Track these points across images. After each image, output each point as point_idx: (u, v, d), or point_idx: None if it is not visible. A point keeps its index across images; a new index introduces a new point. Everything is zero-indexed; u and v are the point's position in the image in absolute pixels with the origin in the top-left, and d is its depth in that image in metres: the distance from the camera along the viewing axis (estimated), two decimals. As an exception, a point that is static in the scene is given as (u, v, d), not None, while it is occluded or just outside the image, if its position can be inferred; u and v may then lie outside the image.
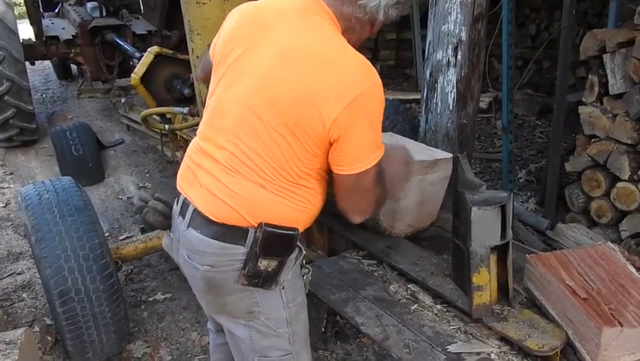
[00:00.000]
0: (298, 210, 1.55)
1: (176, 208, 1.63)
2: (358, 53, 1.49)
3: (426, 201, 2.22)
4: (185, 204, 1.58)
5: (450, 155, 2.21)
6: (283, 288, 1.60)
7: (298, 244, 1.61)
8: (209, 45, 1.78)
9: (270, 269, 1.52)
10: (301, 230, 1.59)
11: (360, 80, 1.42)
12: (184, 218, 1.57)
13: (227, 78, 1.57)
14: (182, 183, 1.64)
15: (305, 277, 1.73)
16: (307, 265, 1.75)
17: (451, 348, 1.67)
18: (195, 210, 1.54)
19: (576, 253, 1.84)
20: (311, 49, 1.46)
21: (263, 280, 1.53)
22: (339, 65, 1.44)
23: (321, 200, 1.63)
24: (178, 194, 1.64)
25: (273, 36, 1.50)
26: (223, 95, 1.57)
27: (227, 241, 1.51)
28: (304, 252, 1.68)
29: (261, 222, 1.49)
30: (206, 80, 1.85)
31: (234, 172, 1.50)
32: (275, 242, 1.51)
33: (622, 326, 1.50)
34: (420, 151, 2.22)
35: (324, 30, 1.50)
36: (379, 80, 1.45)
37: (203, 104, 2.55)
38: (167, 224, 1.68)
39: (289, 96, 1.43)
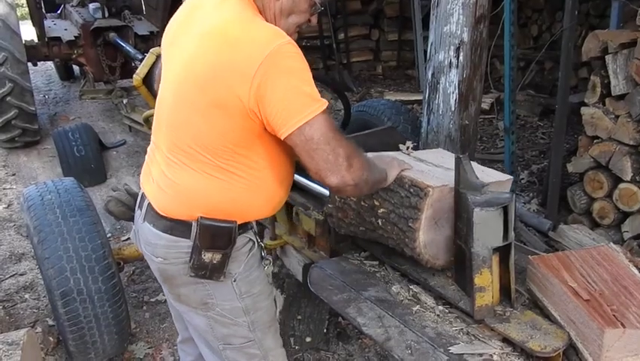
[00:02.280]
0: (243, 190, 1.57)
1: (138, 202, 1.72)
2: (268, 23, 1.53)
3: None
4: (143, 198, 1.68)
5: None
6: (235, 281, 1.65)
7: (251, 237, 1.67)
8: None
9: (215, 261, 1.57)
10: (256, 218, 1.67)
11: (267, 42, 1.42)
12: (141, 211, 1.66)
13: (163, 75, 1.67)
14: (141, 178, 1.74)
15: (266, 268, 1.78)
16: (268, 257, 1.80)
17: (454, 349, 1.67)
18: (149, 204, 1.63)
19: (578, 254, 1.83)
20: (220, 27, 1.49)
21: (210, 272, 1.59)
22: (246, 35, 1.45)
23: (273, 179, 1.62)
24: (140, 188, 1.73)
25: (192, 26, 1.57)
26: (161, 92, 1.67)
27: (175, 234, 1.58)
28: (256, 242, 1.71)
29: (198, 217, 1.54)
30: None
31: (175, 162, 1.57)
32: (214, 235, 1.56)
33: (624, 327, 1.49)
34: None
35: (236, 9, 1.53)
36: (289, 40, 1.46)
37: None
38: (129, 215, 1.75)
39: (207, 75, 1.47)
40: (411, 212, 1.80)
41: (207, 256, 1.55)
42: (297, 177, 2.03)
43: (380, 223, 1.92)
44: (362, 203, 1.95)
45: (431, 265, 1.90)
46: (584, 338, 1.58)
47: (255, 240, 1.71)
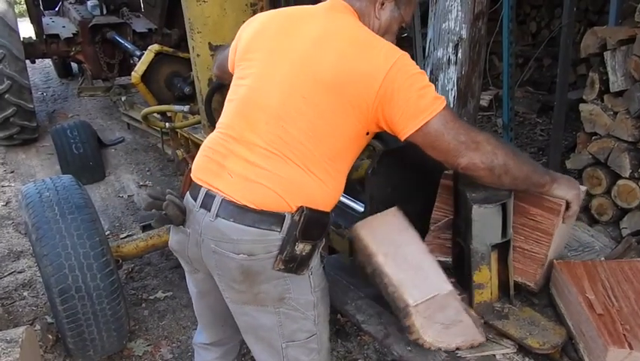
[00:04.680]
0: (329, 193, 1.61)
1: (194, 202, 1.63)
2: None
3: (560, 244, 1.94)
4: (209, 196, 1.59)
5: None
6: (312, 273, 1.66)
7: None
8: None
9: (304, 253, 1.57)
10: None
11: (392, 51, 1.56)
12: (209, 210, 1.58)
13: (258, 70, 1.65)
14: (202, 175, 1.65)
15: (322, 263, 1.78)
16: (323, 253, 1.79)
17: (461, 352, 1.67)
18: (224, 200, 1.56)
19: (608, 265, 1.77)
20: (344, 32, 1.60)
21: (297, 265, 1.58)
22: (371, 44, 1.57)
23: (342, 188, 1.67)
24: (196, 187, 1.65)
25: (305, 29, 1.63)
26: (256, 86, 1.64)
27: (264, 227, 1.54)
28: (324, 241, 1.72)
29: (301, 206, 1.54)
30: (222, 76, 2.04)
31: (279, 155, 1.55)
32: (313, 226, 1.56)
33: (632, 348, 1.43)
34: None
35: (351, 20, 1.65)
36: (404, 52, 1.58)
37: (203, 101, 2.56)
38: (182, 219, 1.67)
39: (332, 74, 1.53)
40: (400, 317, 1.65)
41: (299, 248, 1.55)
42: None
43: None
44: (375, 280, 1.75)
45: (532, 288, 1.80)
46: (590, 352, 1.55)
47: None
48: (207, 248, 1.62)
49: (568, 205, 1.71)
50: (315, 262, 1.66)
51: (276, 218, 1.54)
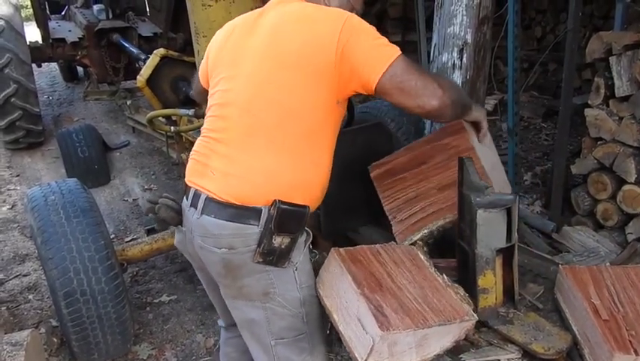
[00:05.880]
0: (311, 173, 1.65)
1: (187, 202, 1.72)
2: None
3: (495, 166, 2.03)
4: (197, 195, 1.67)
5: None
6: (296, 269, 1.69)
7: (306, 228, 1.71)
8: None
9: (283, 246, 1.61)
10: (312, 207, 1.68)
11: (340, 13, 1.63)
12: (196, 208, 1.66)
13: (225, 75, 1.73)
14: (191, 177, 1.73)
15: (313, 260, 1.80)
16: (314, 250, 1.83)
17: (465, 356, 1.66)
18: (207, 197, 1.63)
19: (613, 270, 1.75)
20: (294, 15, 1.69)
21: (277, 258, 1.62)
22: (321, 13, 1.66)
23: (328, 170, 1.71)
24: (187, 189, 1.72)
25: (259, 25, 1.71)
26: (226, 88, 1.72)
27: (242, 221, 1.60)
28: (310, 234, 1.75)
29: (275, 200, 1.58)
30: (197, 97, 2.13)
31: (253, 145, 1.61)
32: (288, 218, 1.60)
33: (637, 354, 1.42)
34: None
35: (299, 4, 1.73)
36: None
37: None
38: (178, 220, 1.76)
39: (293, 54, 1.61)
40: None
41: (277, 241, 1.59)
42: None
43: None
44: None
45: None
46: (595, 357, 1.54)
47: (309, 231, 1.74)
48: (196, 244, 1.70)
49: (478, 125, 1.96)
50: (300, 258, 1.69)
51: (254, 212, 1.59)
